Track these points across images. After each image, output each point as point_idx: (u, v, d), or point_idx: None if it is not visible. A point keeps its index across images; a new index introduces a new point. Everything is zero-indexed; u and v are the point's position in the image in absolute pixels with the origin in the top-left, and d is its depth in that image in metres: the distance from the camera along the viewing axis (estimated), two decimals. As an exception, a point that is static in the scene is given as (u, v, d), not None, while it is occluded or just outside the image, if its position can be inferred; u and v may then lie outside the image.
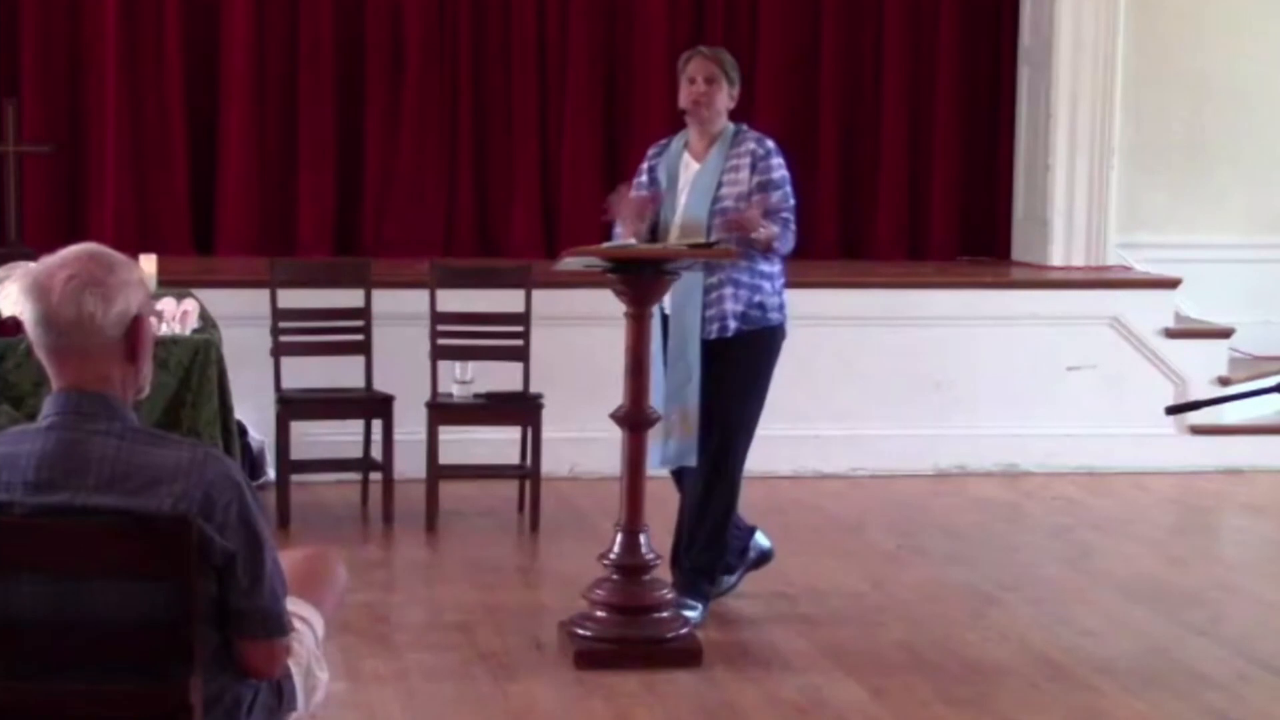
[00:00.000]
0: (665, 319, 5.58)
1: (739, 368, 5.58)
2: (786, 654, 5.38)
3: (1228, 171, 9.34)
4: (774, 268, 5.64)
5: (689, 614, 5.46)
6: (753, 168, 5.60)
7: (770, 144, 5.68)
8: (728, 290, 5.54)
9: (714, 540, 5.68)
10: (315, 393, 6.95)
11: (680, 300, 5.53)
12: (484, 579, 6.15)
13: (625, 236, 5.54)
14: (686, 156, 5.69)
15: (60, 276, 2.88)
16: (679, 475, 5.79)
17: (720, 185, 5.59)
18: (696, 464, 5.58)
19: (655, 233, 5.62)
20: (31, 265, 3.25)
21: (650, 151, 5.83)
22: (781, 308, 5.69)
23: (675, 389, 5.54)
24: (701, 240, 5.42)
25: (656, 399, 5.42)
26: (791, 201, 5.64)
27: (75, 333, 2.89)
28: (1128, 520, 7.40)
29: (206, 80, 8.65)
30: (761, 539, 6.00)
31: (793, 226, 5.61)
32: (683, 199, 5.62)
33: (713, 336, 5.55)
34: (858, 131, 9.25)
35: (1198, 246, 9.14)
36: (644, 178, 5.74)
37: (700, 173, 5.62)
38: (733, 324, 5.56)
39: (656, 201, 5.63)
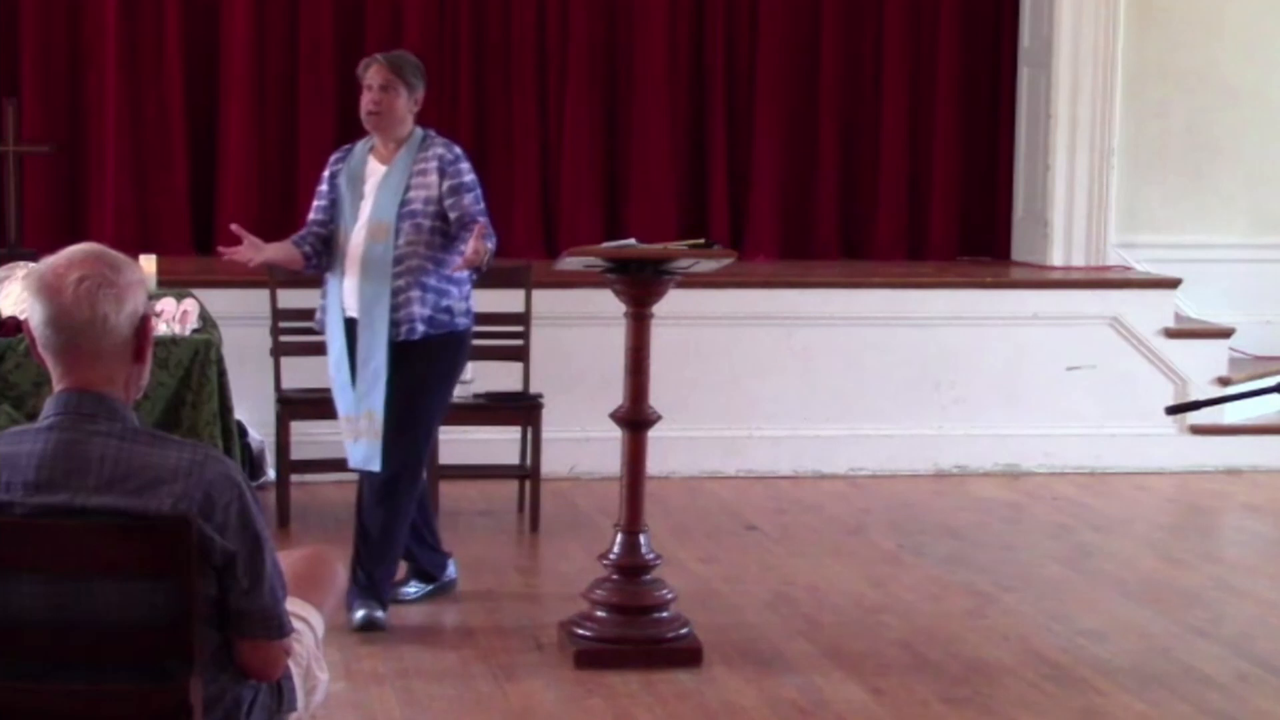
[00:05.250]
0: (349, 321, 5.56)
1: (425, 371, 5.55)
2: (786, 654, 5.38)
3: (1228, 171, 9.34)
4: (462, 274, 5.56)
5: (358, 614, 5.44)
6: (441, 173, 5.57)
7: (458, 150, 5.67)
8: (415, 294, 5.50)
9: (388, 546, 5.59)
10: (315, 393, 6.92)
11: (369, 302, 5.50)
12: (484, 579, 6.15)
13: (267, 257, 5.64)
14: (372, 162, 5.66)
15: (70, 278, 2.88)
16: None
17: (409, 188, 5.56)
18: (381, 468, 5.53)
19: (329, 242, 5.66)
20: (34, 266, 3.24)
21: (333, 157, 5.79)
22: (468, 313, 5.66)
23: (365, 392, 5.50)
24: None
25: (345, 403, 5.52)
26: (482, 204, 5.61)
27: (88, 334, 2.89)
28: (1128, 520, 7.40)
29: (206, 80, 8.64)
30: (452, 569, 5.97)
31: (492, 228, 5.51)
32: (369, 201, 5.59)
33: (400, 339, 5.49)
34: (858, 131, 9.23)
35: (1198, 246, 9.14)
36: (324, 185, 5.71)
37: (387, 175, 5.59)
38: (420, 327, 5.52)
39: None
